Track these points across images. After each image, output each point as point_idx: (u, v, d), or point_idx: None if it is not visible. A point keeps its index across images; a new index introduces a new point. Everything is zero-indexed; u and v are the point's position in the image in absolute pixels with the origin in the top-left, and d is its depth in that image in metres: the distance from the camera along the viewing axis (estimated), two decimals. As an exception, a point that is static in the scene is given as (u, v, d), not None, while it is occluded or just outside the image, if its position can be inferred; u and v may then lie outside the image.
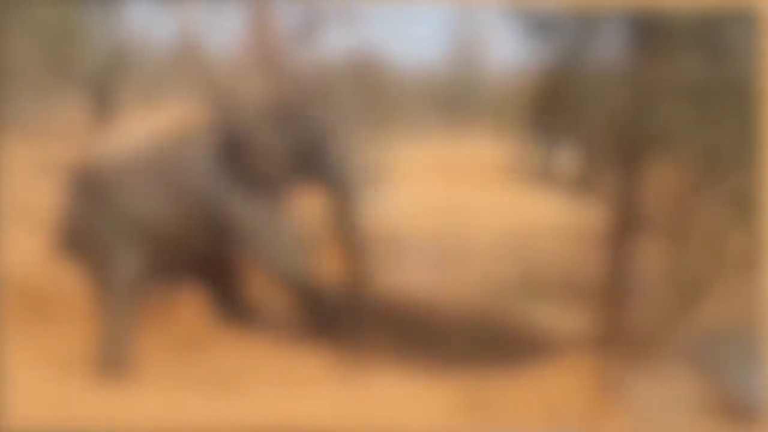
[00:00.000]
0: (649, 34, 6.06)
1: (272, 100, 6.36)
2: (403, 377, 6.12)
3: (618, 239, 6.13)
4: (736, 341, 6.00)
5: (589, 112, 6.19)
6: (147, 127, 6.38)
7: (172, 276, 6.26)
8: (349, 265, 6.30)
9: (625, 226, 6.13)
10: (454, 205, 6.30)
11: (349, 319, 6.25)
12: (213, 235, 6.24)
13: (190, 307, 6.33)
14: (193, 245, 6.23)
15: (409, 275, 6.37)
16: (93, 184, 6.26)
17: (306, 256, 6.29)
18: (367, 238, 6.27)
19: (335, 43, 6.33)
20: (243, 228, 6.24)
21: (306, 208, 6.33)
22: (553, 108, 6.40)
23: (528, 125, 6.42)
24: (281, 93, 6.40)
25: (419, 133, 6.50)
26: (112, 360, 6.17)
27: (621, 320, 6.12)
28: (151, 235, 6.20)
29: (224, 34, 6.42)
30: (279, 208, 6.29)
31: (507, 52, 6.26)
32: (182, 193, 6.24)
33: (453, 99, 6.56)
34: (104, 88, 6.53)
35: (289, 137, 6.31)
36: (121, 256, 6.19)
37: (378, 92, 6.46)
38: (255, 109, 6.34)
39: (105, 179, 6.25)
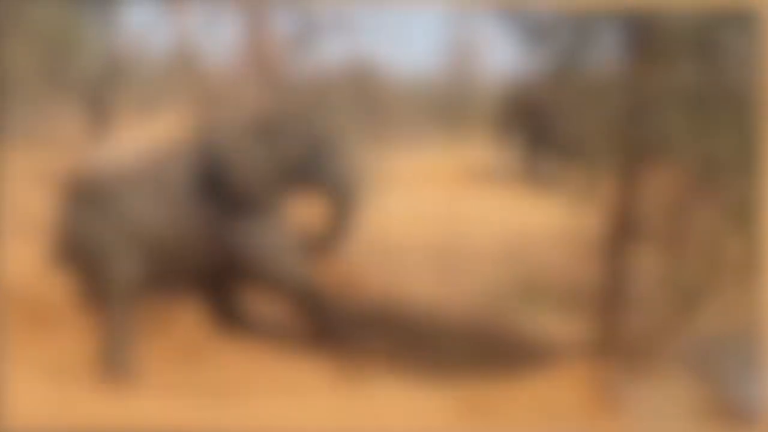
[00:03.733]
0: (646, 38, 6.02)
1: (267, 109, 6.35)
2: (401, 384, 6.13)
3: (615, 246, 6.12)
4: (733, 347, 5.99)
5: (586, 118, 6.17)
6: (143, 136, 6.38)
7: (170, 285, 6.27)
8: (342, 270, 6.32)
9: (623, 232, 6.11)
10: (451, 212, 6.30)
11: (348, 326, 6.26)
12: (212, 245, 6.25)
13: (190, 316, 6.34)
14: (190, 255, 6.24)
15: (406, 283, 6.38)
16: (90, 193, 6.26)
17: (306, 264, 6.29)
18: (361, 243, 6.27)
19: (331, 51, 6.32)
20: (243, 238, 6.25)
21: (305, 215, 6.34)
22: (550, 114, 6.38)
23: (524, 132, 6.41)
24: (277, 102, 6.39)
25: (416, 140, 6.49)
26: (111, 367, 6.20)
27: (619, 326, 6.11)
28: (148, 243, 6.21)
29: (221, 42, 6.41)
30: (278, 217, 6.29)
31: (503, 58, 6.24)
32: (178, 203, 6.24)
33: (449, 106, 6.55)
34: (101, 96, 6.53)
35: (284, 147, 6.29)
36: (118, 264, 6.21)
37: (374, 100, 6.45)
38: (249, 119, 6.32)
39: (102, 188, 6.25)
